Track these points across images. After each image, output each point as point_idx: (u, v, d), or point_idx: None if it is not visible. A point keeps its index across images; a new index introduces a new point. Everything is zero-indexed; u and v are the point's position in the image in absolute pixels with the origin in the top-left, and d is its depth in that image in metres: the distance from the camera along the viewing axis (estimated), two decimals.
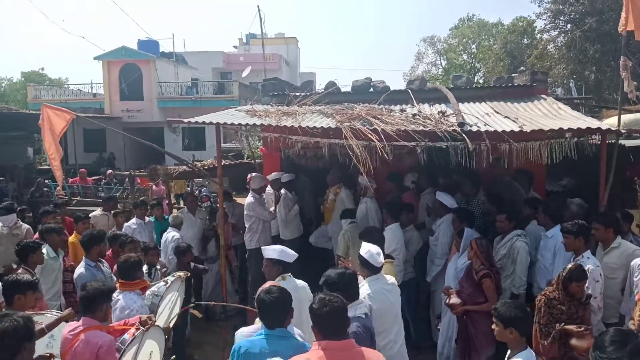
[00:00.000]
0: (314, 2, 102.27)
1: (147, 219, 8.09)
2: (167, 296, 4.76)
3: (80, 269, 5.41)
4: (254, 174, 7.79)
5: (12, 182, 15.36)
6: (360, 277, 4.20)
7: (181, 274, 5.12)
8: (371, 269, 4.18)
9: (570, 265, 4.30)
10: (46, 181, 14.15)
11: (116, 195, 10.23)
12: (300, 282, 4.45)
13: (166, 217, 8.40)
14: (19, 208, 8.60)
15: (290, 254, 4.41)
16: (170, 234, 7.39)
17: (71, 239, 6.91)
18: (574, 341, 3.97)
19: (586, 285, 4.32)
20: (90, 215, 7.87)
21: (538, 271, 5.44)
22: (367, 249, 4.23)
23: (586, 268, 4.55)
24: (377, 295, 4.06)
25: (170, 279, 4.96)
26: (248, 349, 3.07)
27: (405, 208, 6.40)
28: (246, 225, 7.55)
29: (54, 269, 5.88)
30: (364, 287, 4.10)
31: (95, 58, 28.99)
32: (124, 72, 28.70)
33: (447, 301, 5.08)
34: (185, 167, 8.69)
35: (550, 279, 4.87)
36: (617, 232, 4.98)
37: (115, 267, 5.25)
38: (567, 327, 4.10)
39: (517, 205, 6.27)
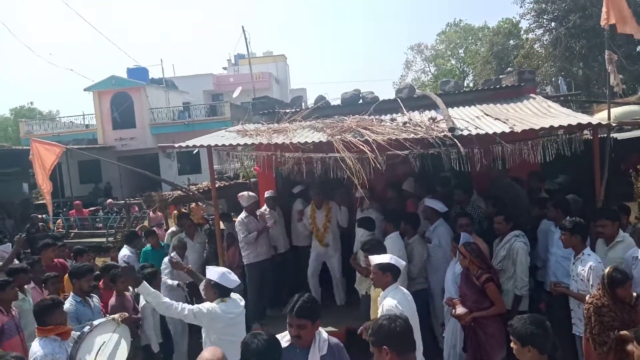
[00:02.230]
0: (302, 17, 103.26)
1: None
2: (90, 342, 4.23)
3: (65, 305, 5.01)
4: (243, 192, 7.77)
5: (10, 219, 15.29)
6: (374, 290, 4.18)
7: (116, 316, 4.65)
8: (395, 275, 4.17)
9: (608, 270, 4.16)
10: (42, 216, 14.09)
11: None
12: (241, 305, 4.39)
13: (162, 243, 8.33)
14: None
15: (231, 280, 4.29)
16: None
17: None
18: (630, 347, 3.78)
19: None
20: (119, 256, 7.79)
21: (553, 266, 5.36)
22: (388, 256, 4.27)
23: (588, 265, 4.54)
24: (403, 302, 4.03)
25: (98, 321, 4.50)
26: None
27: (408, 217, 6.31)
28: (240, 243, 7.55)
29: (23, 310, 5.42)
30: (388, 299, 4.06)
31: (85, 89, 29.04)
32: (115, 101, 28.76)
33: (453, 312, 5.02)
34: (180, 191, 8.64)
35: (568, 269, 4.84)
36: (619, 226, 4.97)
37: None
38: (621, 333, 3.96)
39: (517, 206, 6.24)
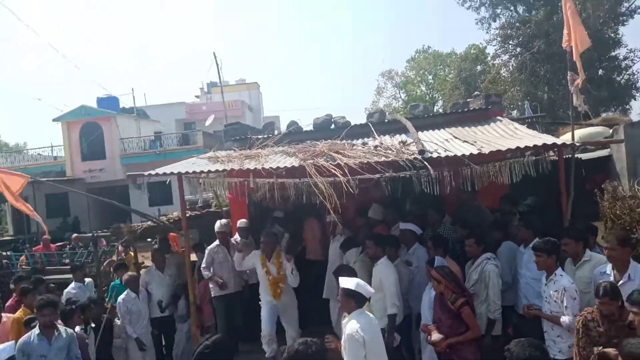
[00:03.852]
0: (275, 45, 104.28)
1: (86, 281, 8.00)
2: None
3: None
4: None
5: None
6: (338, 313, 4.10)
7: None
8: (360, 302, 4.10)
9: (600, 283, 4.16)
10: (7, 253, 13.57)
11: (83, 262, 9.82)
12: None
13: None
14: None
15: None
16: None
17: (17, 314, 6.22)
18: None
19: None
20: (65, 291, 7.52)
21: (524, 288, 5.34)
22: (354, 281, 4.17)
23: (561, 287, 4.54)
24: (366, 327, 3.98)
25: None
26: None
27: (391, 241, 6.18)
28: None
29: None
30: (352, 322, 4.00)
31: (54, 120, 28.57)
32: (85, 131, 28.28)
33: (429, 339, 4.97)
34: (150, 222, 8.46)
35: (539, 291, 4.84)
36: (586, 246, 5.00)
37: None
38: (605, 350, 3.95)
39: (484, 229, 6.27)
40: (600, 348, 3.97)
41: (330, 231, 7.38)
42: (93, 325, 6.30)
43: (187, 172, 6.57)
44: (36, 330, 5.10)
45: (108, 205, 7.61)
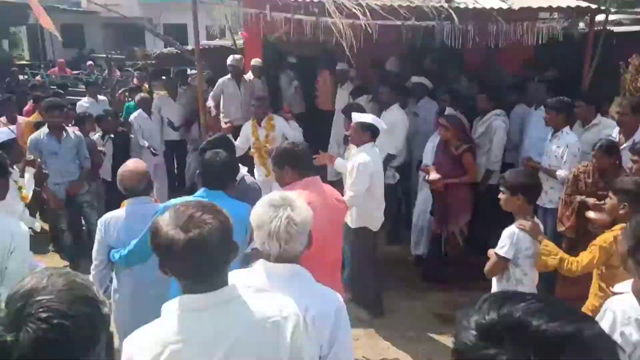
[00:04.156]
0: None
1: (99, 98, 8.22)
2: None
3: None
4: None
5: None
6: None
7: None
8: (374, 135, 4.24)
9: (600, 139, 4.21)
10: (25, 76, 13.66)
11: (96, 79, 9.93)
12: None
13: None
14: None
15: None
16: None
17: (31, 118, 6.70)
18: (590, 214, 3.94)
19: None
20: (77, 104, 7.83)
21: (527, 146, 5.41)
22: (370, 116, 4.35)
23: (565, 143, 4.62)
24: (376, 160, 4.23)
25: None
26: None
27: (401, 90, 6.18)
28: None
29: None
30: (363, 154, 4.16)
31: None
32: None
33: (427, 177, 5.12)
34: (164, 49, 8.36)
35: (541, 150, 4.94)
36: (598, 111, 5.00)
37: None
38: (586, 199, 4.09)
39: (501, 90, 6.22)
40: (584, 197, 4.12)
41: (339, 80, 7.33)
42: (112, 136, 6.49)
43: None
44: (45, 130, 5.30)
45: (123, 41, 7.52)
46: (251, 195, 3.65)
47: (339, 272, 3.25)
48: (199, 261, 1.50)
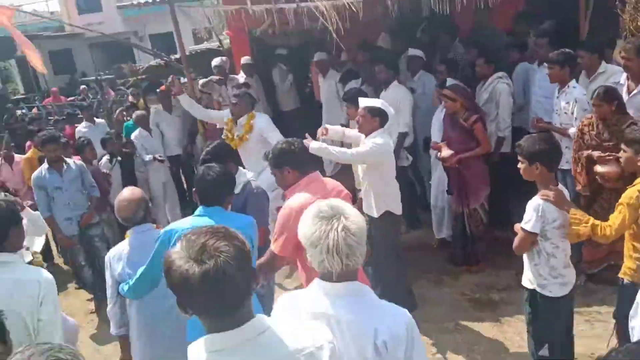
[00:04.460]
0: None
1: (96, 121, 8.15)
2: None
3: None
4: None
5: None
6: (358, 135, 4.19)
7: None
8: (383, 121, 4.04)
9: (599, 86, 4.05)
10: (22, 111, 13.63)
11: (90, 102, 9.88)
12: None
13: None
14: None
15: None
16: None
17: (27, 154, 6.67)
18: (597, 168, 3.81)
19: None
20: (76, 130, 7.86)
21: (534, 106, 5.24)
22: (378, 100, 4.20)
23: (573, 98, 4.45)
24: (387, 145, 4.07)
25: None
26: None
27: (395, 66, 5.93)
28: None
29: None
30: (378, 138, 3.97)
31: None
32: None
33: (439, 155, 4.95)
34: (152, 62, 8.27)
35: (549, 109, 4.79)
36: (601, 58, 4.78)
37: None
38: (591, 153, 3.93)
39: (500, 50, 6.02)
40: (590, 151, 3.97)
41: (320, 71, 7.16)
42: (119, 158, 6.37)
43: None
44: (45, 165, 5.22)
45: (113, 59, 7.46)
46: (252, 202, 3.59)
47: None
48: (218, 295, 1.36)
